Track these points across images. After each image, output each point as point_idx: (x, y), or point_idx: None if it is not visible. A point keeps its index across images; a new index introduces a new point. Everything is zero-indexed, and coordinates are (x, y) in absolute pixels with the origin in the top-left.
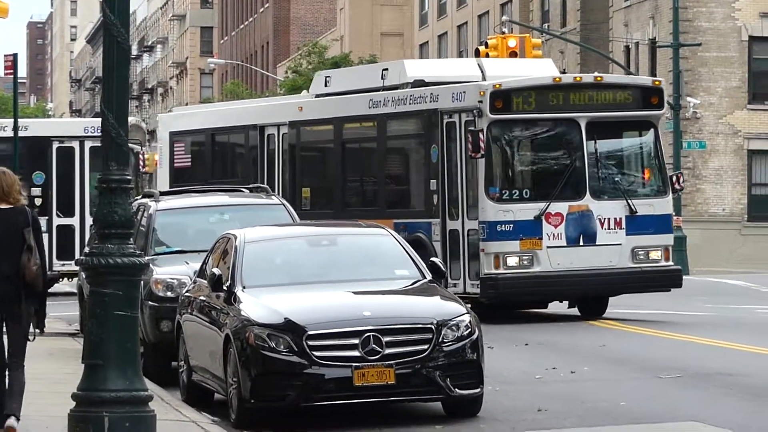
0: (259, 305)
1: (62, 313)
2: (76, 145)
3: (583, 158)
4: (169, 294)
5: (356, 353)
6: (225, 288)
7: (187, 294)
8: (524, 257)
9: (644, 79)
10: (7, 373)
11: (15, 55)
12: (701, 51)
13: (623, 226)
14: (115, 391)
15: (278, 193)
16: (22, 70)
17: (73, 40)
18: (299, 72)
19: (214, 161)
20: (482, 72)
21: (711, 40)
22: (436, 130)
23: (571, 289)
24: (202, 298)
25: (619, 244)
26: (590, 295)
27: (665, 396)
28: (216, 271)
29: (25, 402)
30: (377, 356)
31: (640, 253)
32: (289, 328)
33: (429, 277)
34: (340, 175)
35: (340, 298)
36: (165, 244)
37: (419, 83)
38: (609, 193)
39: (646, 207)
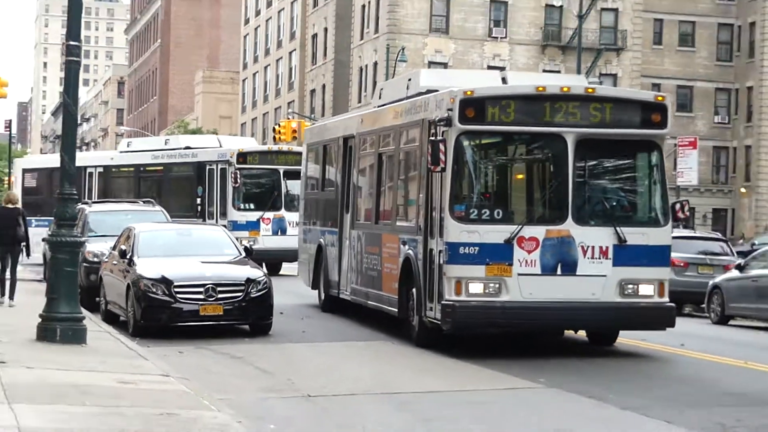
0: (147, 267)
1: (36, 268)
2: (215, 167)
3: (567, 179)
4: (96, 259)
5: (201, 296)
6: (128, 257)
7: (105, 260)
8: (490, 284)
9: (645, 94)
10: (8, 276)
11: (10, 120)
12: None
13: (610, 256)
14: (63, 313)
15: (350, 200)
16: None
17: (43, 113)
18: None
19: (325, 168)
20: (505, 84)
21: None
22: (425, 141)
23: (544, 322)
24: (114, 262)
25: (604, 276)
26: (567, 329)
27: (369, 326)
28: (123, 247)
29: (11, 316)
30: (213, 299)
31: (628, 286)
32: (164, 281)
33: (243, 255)
34: (375, 190)
35: (193, 265)
36: (94, 231)
37: (432, 93)
38: (595, 218)
39: (638, 236)
